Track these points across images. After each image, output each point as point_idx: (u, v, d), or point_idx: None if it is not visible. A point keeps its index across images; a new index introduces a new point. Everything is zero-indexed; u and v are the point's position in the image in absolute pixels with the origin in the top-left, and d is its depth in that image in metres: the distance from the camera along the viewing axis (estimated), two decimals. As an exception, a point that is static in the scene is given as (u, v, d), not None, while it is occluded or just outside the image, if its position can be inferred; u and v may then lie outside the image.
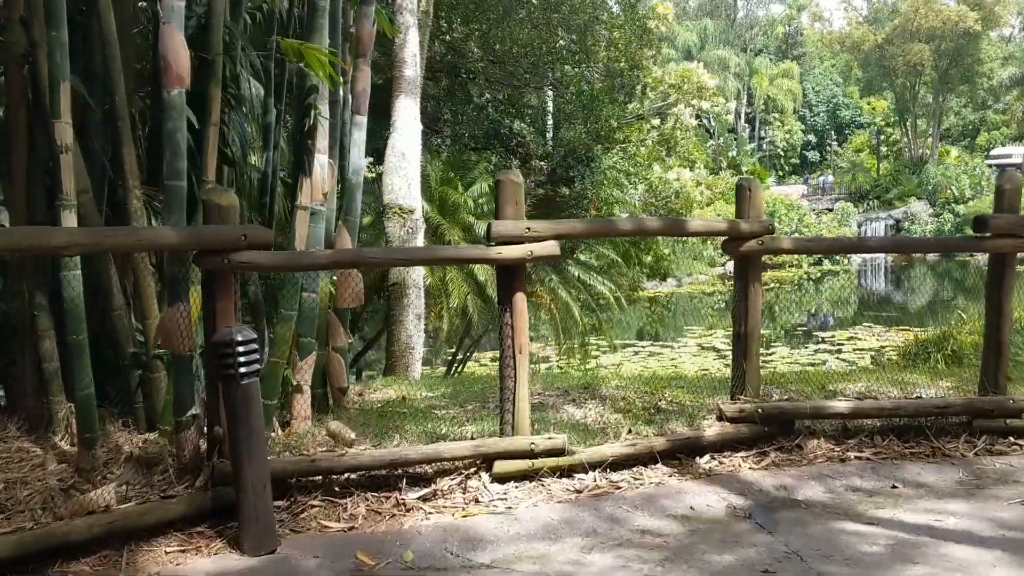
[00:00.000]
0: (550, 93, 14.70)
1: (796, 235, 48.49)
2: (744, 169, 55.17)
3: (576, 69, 15.07)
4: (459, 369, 15.36)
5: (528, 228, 4.64)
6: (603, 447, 4.93)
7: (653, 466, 5.01)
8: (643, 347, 26.38)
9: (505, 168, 13.96)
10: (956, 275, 48.18)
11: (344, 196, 5.61)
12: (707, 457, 5.16)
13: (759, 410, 5.31)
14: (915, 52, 53.58)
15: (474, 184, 13.17)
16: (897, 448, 5.40)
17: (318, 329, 5.41)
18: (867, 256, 52.79)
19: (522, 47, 14.38)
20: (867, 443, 5.45)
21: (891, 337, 26.86)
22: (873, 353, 22.50)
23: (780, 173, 67.20)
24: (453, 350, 16.32)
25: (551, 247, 4.70)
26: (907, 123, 60.02)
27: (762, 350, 21.38)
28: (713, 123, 59.44)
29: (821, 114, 71.43)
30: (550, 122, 14.82)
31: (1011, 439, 5.48)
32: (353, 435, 4.95)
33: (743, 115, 66.12)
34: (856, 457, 5.28)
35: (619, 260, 16.13)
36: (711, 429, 5.29)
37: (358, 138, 5.57)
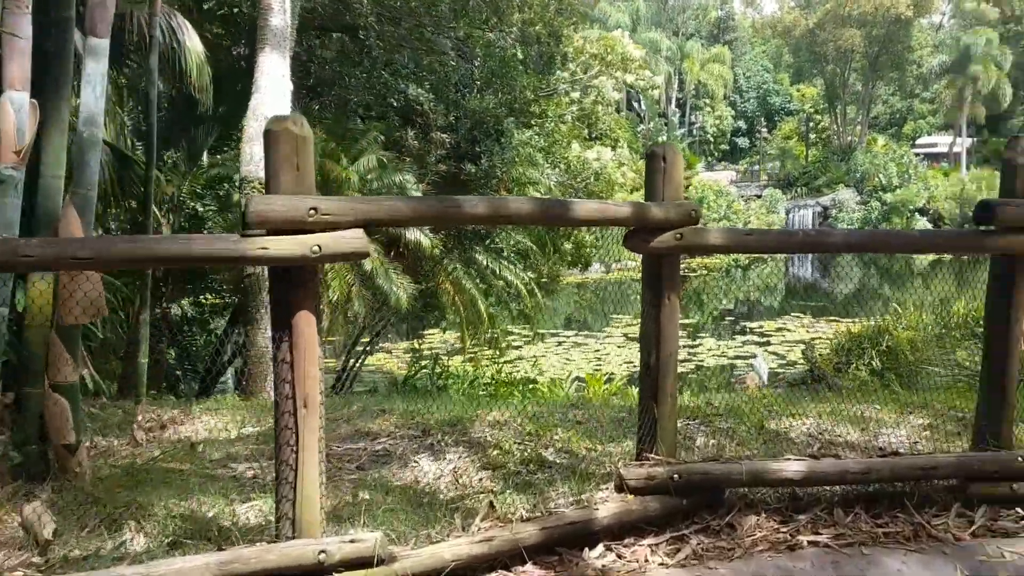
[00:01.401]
0: (455, 57, 12.93)
1: (730, 225, 47.75)
2: (674, 154, 54.14)
3: (484, 32, 13.34)
4: (351, 376, 13.57)
5: (314, 209, 2.91)
6: (441, 546, 3.24)
7: (520, 569, 3.35)
8: (567, 337, 24.96)
9: (399, 141, 12.12)
10: (883, 262, 48.01)
11: (74, 158, 3.78)
12: (600, 549, 3.53)
13: (674, 476, 3.69)
14: (846, 37, 53.12)
15: (362, 156, 11.36)
16: (867, 527, 3.83)
17: (32, 357, 3.59)
18: (795, 243, 52.29)
19: (422, 2, 12.60)
20: (825, 520, 3.88)
21: (820, 328, 25.90)
22: (803, 347, 21.40)
23: (710, 159, 66.45)
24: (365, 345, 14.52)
25: (353, 240, 2.99)
26: (836, 110, 59.76)
27: (688, 342, 19.90)
28: (644, 107, 58.32)
29: (751, 100, 70.85)
30: (458, 91, 13.08)
31: (1018, 510, 3.97)
32: (52, 528, 3.18)
33: (674, 100, 65.10)
34: (811, 543, 3.70)
35: (534, 248, 14.51)
36: (607, 505, 3.64)
37: (93, 72, 3.76)
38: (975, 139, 60.54)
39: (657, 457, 3.79)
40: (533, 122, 14.15)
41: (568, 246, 14.41)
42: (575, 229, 15.79)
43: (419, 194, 11.71)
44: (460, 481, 4.15)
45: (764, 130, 66.40)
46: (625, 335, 25.49)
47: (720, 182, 52.85)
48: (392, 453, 4.60)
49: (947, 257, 47.00)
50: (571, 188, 14.47)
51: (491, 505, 3.70)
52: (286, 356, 3.01)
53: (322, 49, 12.84)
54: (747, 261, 47.05)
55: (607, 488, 3.85)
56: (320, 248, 2.92)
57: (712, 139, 68.15)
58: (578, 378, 14.68)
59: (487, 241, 12.99)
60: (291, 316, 2.99)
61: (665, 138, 55.90)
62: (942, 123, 62.13)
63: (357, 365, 14.32)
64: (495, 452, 4.49)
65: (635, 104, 60.02)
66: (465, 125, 12.33)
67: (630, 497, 3.68)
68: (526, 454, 4.45)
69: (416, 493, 4.00)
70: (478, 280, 13.01)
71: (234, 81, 12.28)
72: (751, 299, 38.92)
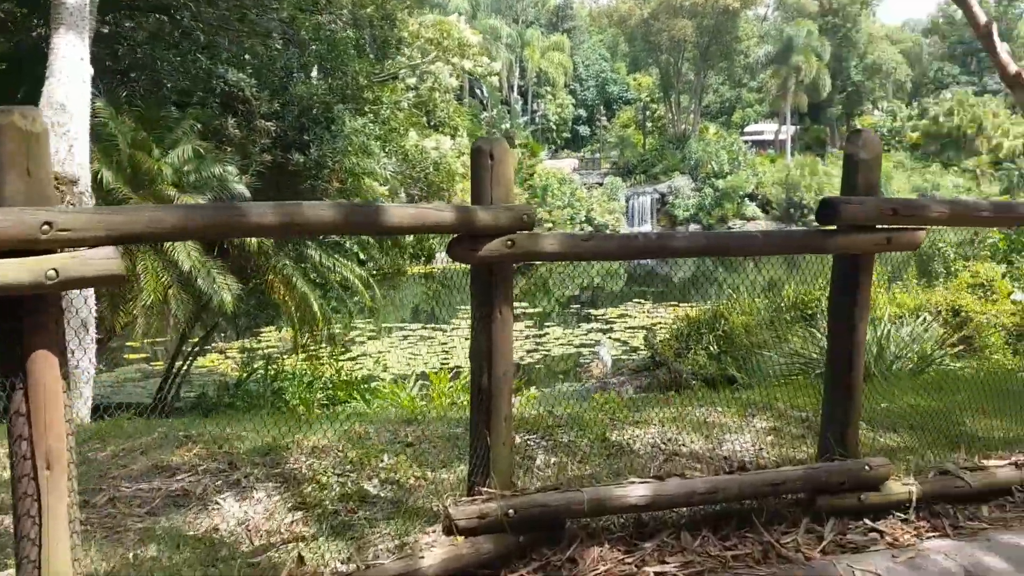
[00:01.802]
0: (281, 40, 12.11)
1: (573, 212, 48.38)
2: (517, 142, 54.38)
3: (312, 15, 12.59)
4: (177, 381, 12.58)
5: (49, 224, 2.30)
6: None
7: (330, 637, 2.86)
8: (413, 331, 24.41)
9: (220, 130, 11.22)
10: (716, 247, 49.86)
11: None
12: (426, 604, 3.09)
13: (509, 512, 3.29)
14: (679, 27, 54.82)
15: (177, 147, 10.43)
16: (716, 551, 3.56)
17: None
18: (634, 229, 53.84)
19: (241, -19, 11.72)
20: (672, 546, 3.58)
21: (660, 314, 26.48)
22: (645, 333, 21.75)
23: (553, 147, 67.24)
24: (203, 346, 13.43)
25: (104, 261, 2.41)
26: (671, 99, 61.67)
27: (534, 331, 19.76)
28: (486, 94, 58.24)
29: (591, 88, 72.14)
30: (284, 77, 12.28)
31: (866, 522, 3.80)
32: None
33: (516, 87, 65.39)
34: (657, 574, 3.39)
35: (372, 241, 13.93)
36: (434, 552, 3.20)
37: None
38: (798, 127, 63.98)
39: (490, 491, 3.38)
40: (367, 109, 13.52)
41: (409, 239, 13.87)
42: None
43: (242, 187, 10.92)
44: (269, 523, 3.61)
45: (604, 118, 67.76)
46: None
47: (563, 170, 53.55)
48: (192, 493, 3.99)
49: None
50: (410, 179, 13.93)
51: (299, 558, 3.19)
52: (20, 407, 2.40)
53: (137, 30, 11.77)
54: (590, 247, 47.90)
55: (435, 530, 3.41)
56: (58, 273, 2.32)
57: (555, 127, 68.95)
58: (422, 374, 14.21)
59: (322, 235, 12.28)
60: (25, 358, 2.37)
61: (508, 126, 56.05)
62: (768, 111, 65.28)
63: (185, 368, 13.33)
64: (311, 488, 3.96)
65: (477, 92, 59.85)
66: (292, 112, 11.59)
67: (460, 539, 3.25)
68: (347, 488, 3.94)
69: (213, 545, 3.43)
70: (314, 276, 12.33)
71: (36, 63, 11.09)
72: (596, 285, 39.58)
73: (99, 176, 9.61)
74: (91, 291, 8.47)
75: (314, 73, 12.68)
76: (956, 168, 59.27)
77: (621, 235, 4.50)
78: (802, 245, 3.84)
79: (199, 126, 10.71)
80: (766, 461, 4.25)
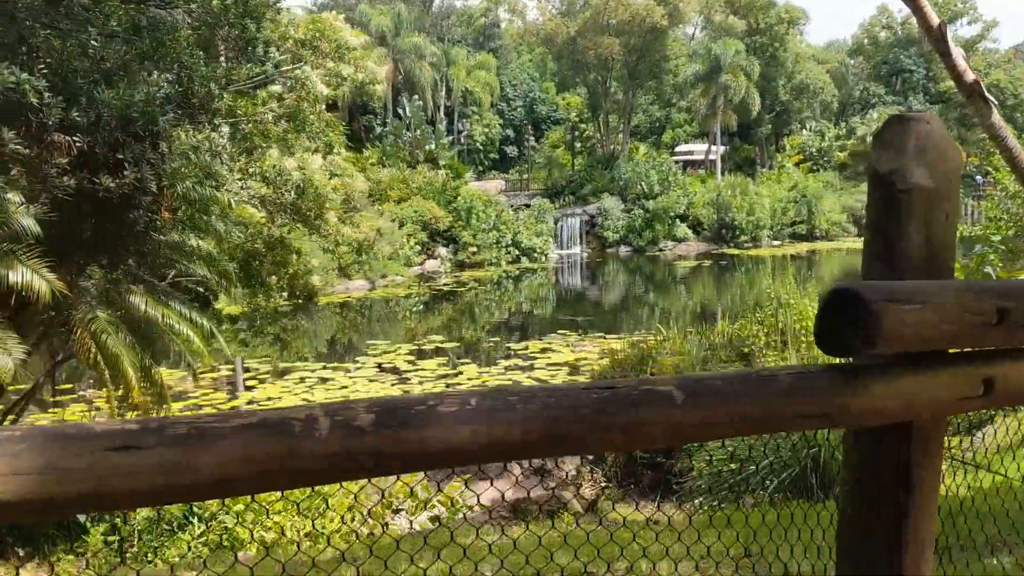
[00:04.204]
0: (91, 33, 9.63)
1: (498, 236, 46.28)
2: (442, 163, 52.23)
3: (141, 6, 10.17)
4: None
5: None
6: None
7: None
8: (312, 371, 21.91)
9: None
10: (647, 270, 48.45)
11: None
12: None
13: None
14: (606, 45, 53.47)
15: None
16: None
17: None
18: (563, 252, 52.01)
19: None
20: None
21: (586, 348, 24.43)
22: (568, 370, 19.63)
23: (480, 168, 65.23)
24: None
25: None
26: (599, 119, 60.28)
27: (446, 369, 17.30)
28: (408, 114, 56.05)
29: (519, 108, 70.49)
30: (92, 79, 9.76)
31: None
32: None
33: (442, 107, 63.30)
34: None
35: (229, 277, 11.50)
36: None
37: None
38: (728, 146, 63.14)
39: None
40: (218, 121, 11.08)
41: (273, 279, 11.44)
42: (288, 253, 12.88)
43: (29, 220, 8.40)
44: None
45: (532, 138, 66.10)
46: (379, 365, 22.81)
47: (489, 191, 51.51)
48: None
49: (706, 263, 47.75)
50: (274, 205, 11.52)
51: None
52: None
53: None
54: (517, 272, 45.90)
55: None
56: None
57: (481, 147, 67.03)
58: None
59: (141, 267, 9.87)
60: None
61: (433, 147, 53.90)
62: (698, 131, 64.38)
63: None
64: None
65: (400, 112, 57.68)
66: (107, 124, 9.10)
67: None
68: None
69: None
70: (139, 326, 9.86)
71: None
72: (523, 310, 37.53)
73: None
74: None
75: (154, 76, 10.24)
76: (885, 188, 58.85)
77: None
78: (801, 413, 1.59)
79: (-40, 140, 8.19)
80: None
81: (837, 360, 1.52)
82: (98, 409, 17.33)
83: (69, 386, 19.18)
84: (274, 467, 1.10)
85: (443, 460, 1.24)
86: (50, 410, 16.96)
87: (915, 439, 1.52)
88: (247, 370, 23.09)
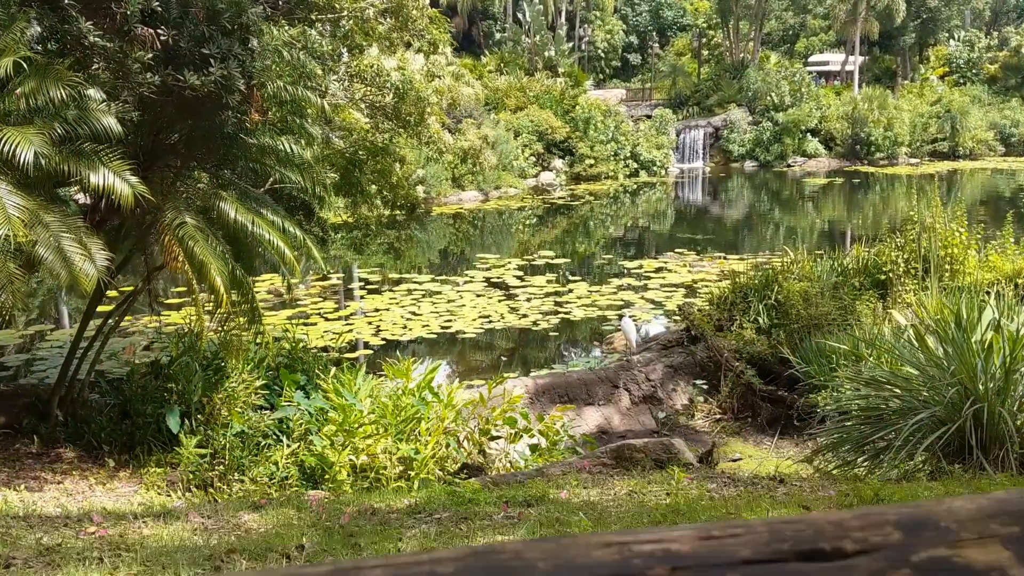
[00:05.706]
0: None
1: (616, 148, 44.69)
2: (561, 70, 50.48)
3: None
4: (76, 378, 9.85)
5: None
6: None
7: None
8: (420, 283, 21.52)
9: (77, 36, 8.31)
10: (773, 186, 46.08)
11: None
12: None
13: None
14: (739, -56, 50.00)
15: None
16: None
17: None
18: (684, 166, 50.01)
19: None
20: None
21: (705, 268, 23.16)
22: (683, 298, 18.53)
23: (600, 76, 63.04)
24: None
25: None
26: (729, 25, 56.91)
27: (556, 286, 16.49)
28: (528, 19, 54.19)
29: (643, 13, 67.46)
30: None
31: None
32: None
33: (564, 12, 61.07)
34: None
35: (325, 181, 10.91)
36: None
37: None
38: (867, 57, 58.84)
39: None
40: (315, 16, 10.35)
41: (374, 188, 10.76)
42: (392, 162, 12.16)
43: (111, 119, 7.85)
44: None
45: (656, 46, 63.26)
46: (487, 280, 22.21)
47: (609, 101, 49.59)
48: None
49: (838, 181, 44.94)
50: (373, 108, 10.75)
51: None
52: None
53: None
54: (635, 186, 44.41)
55: None
56: None
57: (603, 55, 64.73)
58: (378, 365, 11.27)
59: (221, 168, 9.35)
60: None
61: (552, 53, 52.07)
62: (835, 40, 60.18)
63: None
64: None
65: (519, 16, 55.86)
66: (193, 16, 8.47)
67: None
68: None
69: None
70: (235, 235, 9.38)
71: None
72: (639, 226, 36.25)
73: None
74: None
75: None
76: (1039, 104, 53.92)
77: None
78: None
79: (36, 30, 7.70)
80: None
81: None
82: (209, 314, 17.35)
83: (183, 288, 19.34)
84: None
85: None
86: (163, 313, 17.04)
87: None
88: (360, 280, 22.93)
